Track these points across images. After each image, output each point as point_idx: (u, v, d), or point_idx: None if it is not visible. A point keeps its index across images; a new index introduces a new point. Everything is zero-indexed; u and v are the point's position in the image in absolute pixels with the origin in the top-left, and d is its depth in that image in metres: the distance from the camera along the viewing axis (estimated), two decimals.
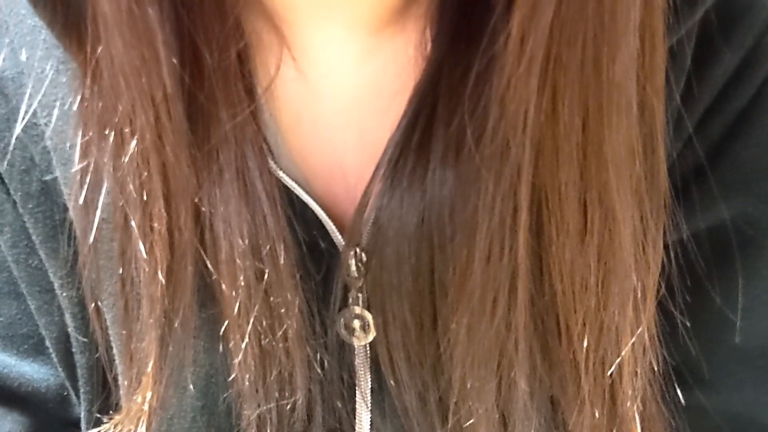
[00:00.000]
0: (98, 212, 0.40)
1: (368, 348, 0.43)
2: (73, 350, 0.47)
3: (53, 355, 0.47)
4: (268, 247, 0.40)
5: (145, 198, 0.38)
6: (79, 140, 0.39)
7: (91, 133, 0.39)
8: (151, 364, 0.41)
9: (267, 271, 0.40)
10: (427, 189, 0.39)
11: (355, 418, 0.44)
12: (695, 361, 0.45)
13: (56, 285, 0.45)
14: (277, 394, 0.42)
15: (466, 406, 0.41)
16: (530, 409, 0.41)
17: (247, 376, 0.41)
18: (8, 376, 0.47)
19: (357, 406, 0.44)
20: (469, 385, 0.40)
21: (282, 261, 0.40)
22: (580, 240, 0.38)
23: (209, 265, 0.40)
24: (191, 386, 0.43)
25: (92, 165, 0.39)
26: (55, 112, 0.42)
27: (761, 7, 0.42)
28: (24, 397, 0.48)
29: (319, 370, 0.43)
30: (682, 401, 0.44)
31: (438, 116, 0.39)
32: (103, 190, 0.40)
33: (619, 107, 0.36)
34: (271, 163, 0.40)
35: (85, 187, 0.40)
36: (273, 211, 0.40)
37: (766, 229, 0.44)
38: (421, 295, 0.40)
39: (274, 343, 0.41)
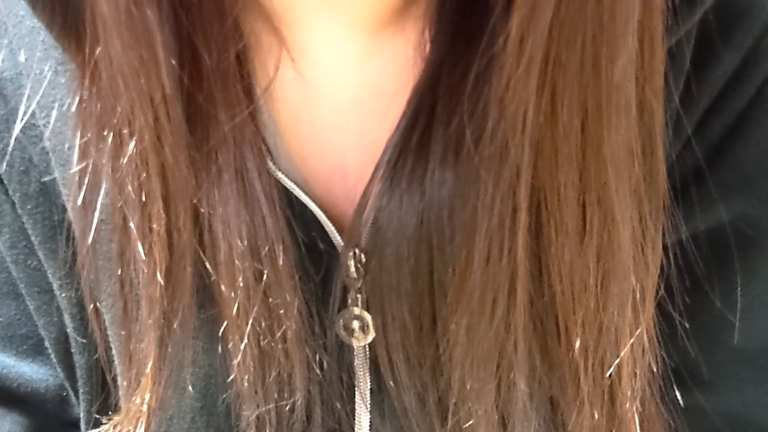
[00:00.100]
0: (97, 213, 0.40)
1: (367, 349, 0.43)
2: (72, 351, 0.47)
3: (52, 356, 0.48)
4: (267, 248, 0.40)
5: (143, 199, 0.38)
6: (77, 141, 0.39)
7: (89, 134, 0.39)
8: (150, 365, 0.41)
9: (266, 272, 0.40)
10: (426, 190, 0.39)
11: (354, 419, 0.44)
12: (694, 362, 0.45)
13: (55, 286, 0.45)
14: (276, 395, 0.42)
15: (465, 406, 0.41)
16: (529, 410, 0.41)
17: (246, 376, 0.41)
18: (7, 377, 0.47)
19: (356, 407, 0.44)
20: (468, 386, 0.40)
21: (281, 262, 0.40)
22: (579, 241, 0.38)
23: (208, 266, 0.40)
24: (190, 387, 0.43)
25: (91, 166, 0.39)
26: (54, 113, 0.42)
27: (761, 9, 0.42)
28: (23, 397, 0.48)
29: (318, 371, 0.43)
30: (681, 402, 0.44)
31: (437, 117, 0.39)
32: (102, 191, 0.40)
33: (618, 108, 0.36)
34: (270, 164, 0.40)
35: (84, 187, 0.40)
36: (272, 212, 0.40)
37: (766, 230, 0.44)
38: (421, 296, 0.40)
39: (273, 344, 0.41)
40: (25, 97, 0.42)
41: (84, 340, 0.46)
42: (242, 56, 0.40)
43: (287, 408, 0.43)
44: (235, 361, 0.41)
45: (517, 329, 0.39)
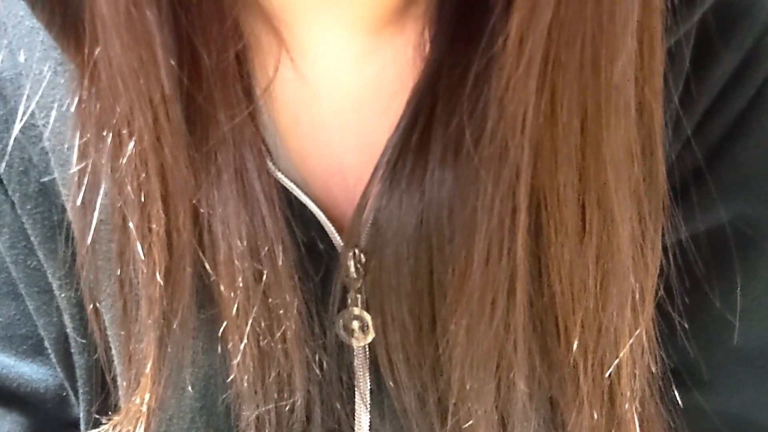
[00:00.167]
0: (96, 213, 0.40)
1: (367, 349, 0.43)
2: (72, 351, 0.47)
3: (52, 356, 0.48)
4: (266, 249, 0.40)
5: (143, 199, 0.38)
6: (77, 141, 0.39)
7: (89, 135, 0.39)
8: (149, 365, 0.41)
9: (265, 272, 0.40)
10: (425, 190, 0.39)
11: (354, 419, 0.44)
12: (694, 363, 0.45)
13: (55, 286, 0.45)
14: (275, 395, 0.42)
15: (465, 407, 0.41)
16: (529, 410, 0.41)
17: (246, 377, 0.41)
18: (7, 377, 0.47)
19: (356, 407, 0.44)
20: (468, 386, 0.40)
21: (280, 262, 0.40)
22: (579, 241, 0.38)
23: (208, 267, 0.40)
24: (190, 387, 0.43)
25: (90, 166, 0.39)
26: (53, 113, 0.42)
27: (760, 9, 0.42)
28: (23, 397, 0.48)
29: (317, 371, 0.43)
30: (680, 402, 0.44)
31: (437, 117, 0.39)
32: (101, 191, 0.40)
33: (618, 109, 0.36)
34: (270, 164, 0.40)
35: (83, 188, 0.40)
36: (271, 212, 0.40)
37: (766, 230, 0.44)
38: (420, 296, 0.40)
39: (272, 344, 0.41)
40: (25, 97, 0.42)
41: (83, 341, 0.46)
42: (242, 56, 0.40)
43: (287, 408, 0.43)
44: (235, 362, 0.41)
45: (516, 329, 0.39)
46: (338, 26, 0.40)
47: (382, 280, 0.40)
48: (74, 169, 0.40)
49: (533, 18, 0.33)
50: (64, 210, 0.44)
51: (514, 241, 0.38)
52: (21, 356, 0.48)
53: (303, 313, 0.41)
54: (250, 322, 0.40)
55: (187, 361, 0.42)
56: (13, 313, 0.47)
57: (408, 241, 0.39)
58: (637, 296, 0.40)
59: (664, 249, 0.41)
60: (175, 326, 0.41)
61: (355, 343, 0.43)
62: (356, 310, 0.42)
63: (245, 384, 0.42)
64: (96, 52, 0.37)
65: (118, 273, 0.41)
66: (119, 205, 0.39)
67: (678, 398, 0.44)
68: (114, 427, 0.43)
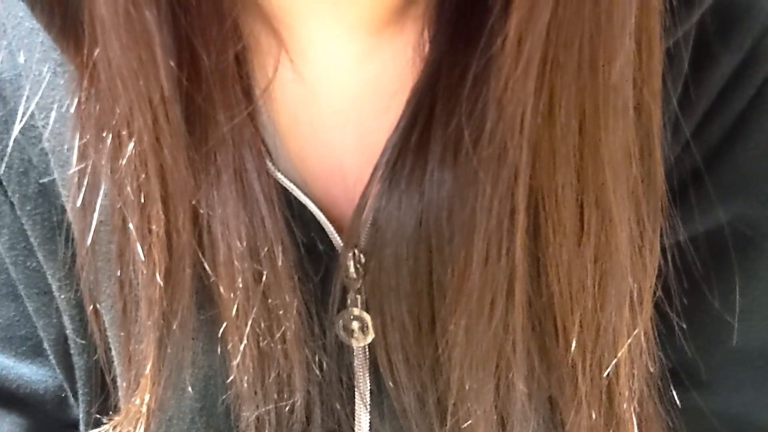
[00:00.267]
0: (96, 214, 0.40)
1: (367, 349, 0.43)
2: (72, 352, 0.47)
3: (51, 357, 0.47)
4: (266, 249, 0.40)
5: (143, 200, 0.38)
6: (76, 142, 0.39)
7: (88, 136, 0.39)
8: (149, 366, 0.41)
9: (265, 272, 0.40)
10: (425, 190, 0.39)
11: (354, 420, 0.44)
12: (692, 363, 0.45)
13: (54, 287, 0.45)
14: (275, 396, 0.42)
15: (464, 407, 0.41)
16: (528, 410, 0.41)
17: (246, 377, 0.41)
18: (6, 378, 0.47)
19: (356, 408, 0.44)
20: (467, 387, 0.40)
21: (280, 263, 0.40)
22: (577, 242, 0.38)
23: (207, 267, 0.40)
24: (190, 388, 0.43)
25: (90, 167, 0.39)
26: (53, 114, 0.42)
27: (759, 10, 0.42)
28: (22, 398, 0.48)
29: (317, 372, 0.43)
30: (679, 403, 0.44)
31: (436, 117, 0.39)
32: (101, 192, 0.40)
33: (616, 109, 0.36)
34: (269, 165, 0.40)
35: (83, 189, 0.40)
36: (271, 212, 0.40)
37: (766, 230, 0.44)
38: (420, 297, 0.40)
39: (272, 344, 0.41)
40: (24, 98, 0.42)
41: (83, 342, 0.46)
42: (241, 57, 0.40)
43: (287, 409, 0.43)
44: (235, 362, 0.41)
45: (515, 329, 0.39)
46: (338, 27, 0.40)
47: (381, 280, 0.40)
48: (74, 170, 0.40)
49: (531, 18, 0.33)
50: (63, 211, 0.44)
51: (513, 241, 0.38)
52: (20, 357, 0.48)
53: (303, 314, 0.41)
54: (249, 322, 0.40)
55: (187, 361, 0.42)
56: (12, 314, 0.47)
57: (407, 242, 0.39)
58: (636, 297, 0.40)
59: (663, 250, 0.42)
60: (174, 327, 0.41)
61: (354, 344, 0.43)
62: (356, 311, 0.42)
63: (245, 385, 0.42)
64: (95, 53, 0.37)
65: (118, 274, 0.41)
66: (119, 206, 0.39)
67: (676, 398, 0.44)
68: (114, 427, 0.43)
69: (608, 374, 0.40)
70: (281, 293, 0.40)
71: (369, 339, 0.43)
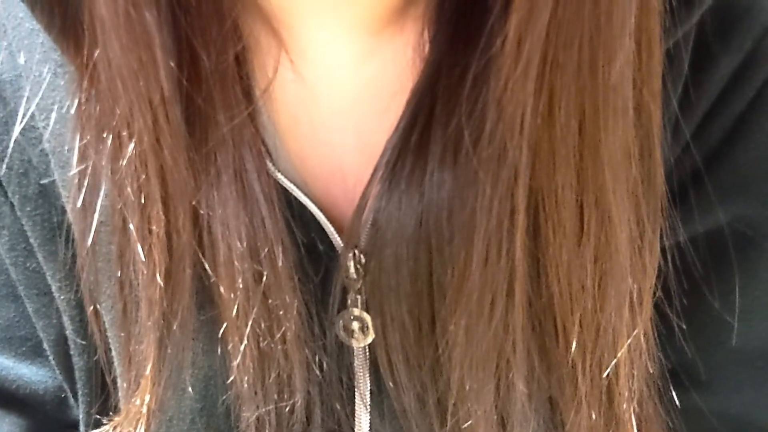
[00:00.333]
0: (96, 215, 0.40)
1: (367, 350, 0.43)
2: (71, 353, 0.47)
3: (51, 358, 0.47)
4: (266, 250, 0.40)
5: (143, 201, 0.38)
6: (77, 143, 0.39)
7: (88, 137, 0.39)
8: (149, 367, 0.41)
9: (265, 273, 0.40)
10: (425, 191, 0.39)
11: (354, 420, 0.44)
12: (692, 363, 0.45)
13: (54, 288, 0.45)
14: (275, 396, 0.42)
15: (464, 407, 0.41)
16: (528, 410, 0.41)
17: (246, 378, 0.41)
18: (6, 378, 0.47)
19: (356, 408, 0.44)
20: (467, 387, 0.40)
21: (280, 263, 0.40)
22: (577, 242, 0.38)
23: (207, 268, 0.40)
24: (190, 388, 0.43)
25: (90, 168, 0.39)
26: (53, 115, 0.42)
27: (759, 10, 0.42)
28: (22, 399, 0.48)
29: (317, 372, 0.43)
30: (679, 403, 0.44)
31: (436, 118, 0.39)
32: (101, 193, 0.40)
33: (616, 110, 0.36)
34: (270, 165, 0.40)
35: (84, 189, 0.40)
36: (271, 213, 0.40)
37: (766, 231, 0.44)
38: (420, 297, 0.40)
39: (272, 345, 0.41)
40: (25, 99, 0.42)
41: (83, 342, 0.46)
42: (241, 58, 0.40)
43: (287, 409, 0.43)
44: (235, 363, 0.41)
45: (515, 330, 0.39)
46: (338, 27, 0.40)
47: (381, 280, 0.40)
48: (74, 171, 0.40)
49: (531, 19, 0.33)
50: (63, 212, 0.44)
51: (513, 241, 0.38)
52: (20, 358, 0.48)
53: (303, 314, 0.41)
54: (250, 323, 0.40)
55: (187, 362, 0.42)
56: (12, 314, 0.47)
57: (407, 242, 0.39)
58: (635, 297, 0.40)
59: (663, 251, 0.42)
60: (175, 327, 0.41)
61: (355, 344, 0.43)
62: (356, 311, 0.42)
63: (245, 385, 0.42)
64: (95, 54, 0.37)
65: (118, 274, 0.41)
66: (119, 206, 0.39)
67: (676, 399, 0.44)
68: (114, 428, 0.43)
69: (608, 374, 0.40)
70: (281, 293, 0.40)
71: (369, 339, 0.43)
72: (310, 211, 0.42)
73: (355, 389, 0.44)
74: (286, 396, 0.42)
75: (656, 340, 0.43)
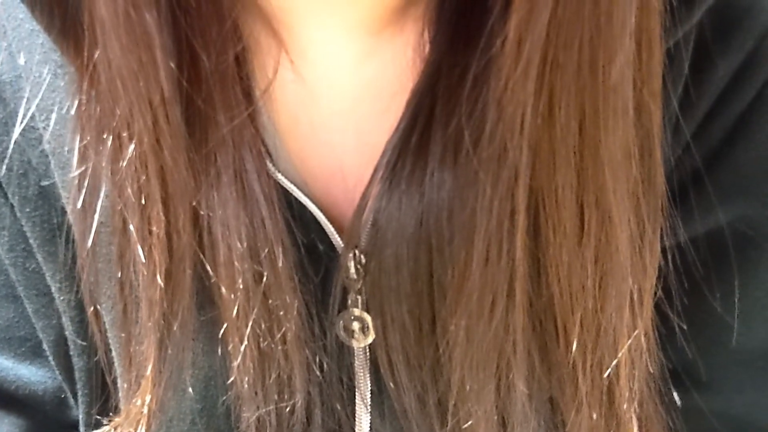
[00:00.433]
0: (96, 216, 0.40)
1: (367, 350, 0.43)
2: (71, 353, 0.47)
3: (51, 358, 0.47)
4: (266, 250, 0.40)
5: (143, 201, 0.38)
6: (77, 144, 0.39)
7: (89, 137, 0.39)
8: (150, 367, 0.41)
9: (266, 273, 0.40)
10: (425, 191, 0.39)
11: (354, 420, 0.44)
12: (693, 364, 0.45)
13: (54, 288, 0.45)
14: (276, 397, 0.42)
15: (465, 407, 0.41)
16: (529, 411, 0.41)
17: (246, 378, 0.41)
18: (6, 379, 0.47)
19: (356, 408, 0.44)
20: (468, 387, 0.40)
21: (280, 263, 0.40)
22: (577, 242, 0.38)
23: (208, 268, 0.40)
24: (190, 389, 0.43)
25: (90, 169, 0.39)
26: (53, 116, 0.42)
27: (760, 10, 0.42)
28: (21, 399, 0.48)
29: (318, 373, 0.43)
30: (679, 403, 0.44)
31: (436, 118, 0.39)
32: (102, 194, 0.40)
33: (616, 110, 0.36)
34: (270, 166, 0.40)
35: (84, 190, 0.40)
36: (271, 213, 0.40)
37: (766, 231, 0.44)
38: (420, 297, 0.40)
39: (273, 345, 0.41)
40: (25, 100, 0.42)
41: (83, 343, 0.46)
42: (241, 58, 0.40)
43: (287, 409, 0.43)
44: (235, 363, 0.41)
45: (516, 330, 0.39)
46: (338, 27, 0.40)
47: (382, 281, 0.40)
48: (75, 172, 0.40)
49: (531, 19, 0.33)
50: (63, 213, 0.44)
51: (513, 242, 0.38)
52: (19, 358, 0.48)
53: (303, 315, 0.41)
54: (250, 323, 0.40)
55: (188, 362, 0.42)
56: (11, 315, 0.47)
57: (408, 242, 0.39)
58: (636, 297, 0.40)
59: (663, 251, 0.42)
60: (175, 328, 0.41)
61: (355, 344, 0.43)
62: (356, 311, 0.42)
63: (245, 385, 0.42)
64: (95, 55, 0.37)
65: (119, 275, 0.41)
66: (119, 207, 0.39)
67: (677, 399, 0.44)
68: (114, 428, 0.43)
69: (609, 375, 0.40)
70: (282, 294, 0.40)
71: (369, 339, 0.43)
72: (310, 212, 0.42)
73: (356, 389, 0.44)
74: (286, 396, 0.42)
75: (657, 340, 0.43)
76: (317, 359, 0.42)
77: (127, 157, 0.37)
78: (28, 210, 0.44)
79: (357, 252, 0.41)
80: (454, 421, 0.42)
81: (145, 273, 0.39)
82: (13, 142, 0.43)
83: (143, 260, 0.39)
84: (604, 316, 0.39)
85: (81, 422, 0.48)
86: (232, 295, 0.40)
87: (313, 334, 0.42)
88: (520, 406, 0.41)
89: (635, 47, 0.37)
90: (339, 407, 0.44)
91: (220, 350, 0.42)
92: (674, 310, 0.43)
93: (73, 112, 0.39)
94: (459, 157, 0.38)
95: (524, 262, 0.38)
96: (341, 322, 0.42)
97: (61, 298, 0.45)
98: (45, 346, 0.47)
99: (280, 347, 0.41)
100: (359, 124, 0.42)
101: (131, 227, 0.39)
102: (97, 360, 0.46)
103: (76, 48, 0.38)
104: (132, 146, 0.37)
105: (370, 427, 0.45)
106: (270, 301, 0.40)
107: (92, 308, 0.43)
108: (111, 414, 0.45)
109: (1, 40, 0.43)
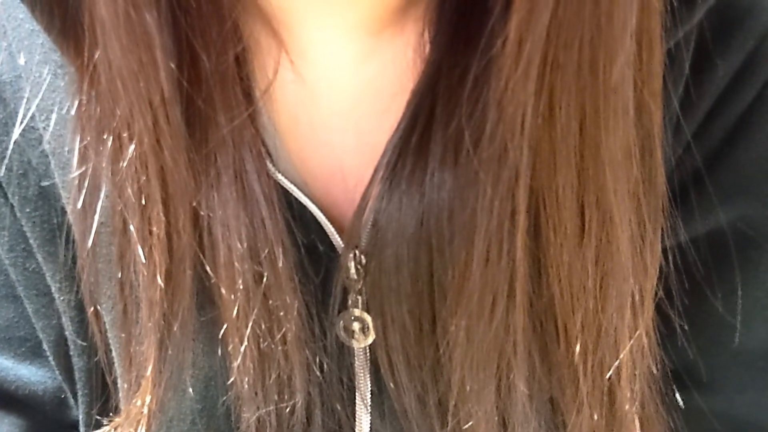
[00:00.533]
0: (97, 216, 0.40)
1: (368, 350, 0.43)
2: (71, 353, 0.47)
3: (50, 358, 0.47)
4: (266, 251, 0.40)
5: (143, 202, 0.38)
6: (77, 145, 0.39)
7: (89, 138, 0.39)
8: (150, 368, 0.41)
9: (266, 274, 0.40)
10: (425, 191, 0.39)
11: (354, 421, 0.44)
12: (694, 364, 0.45)
13: (54, 289, 0.45)
14: (276, 397, 0.42)
15: (465, 408, 0.41)
16: (529, 411, 0.41)
17: (246, 379, 0.41)
18: (5, 379, 0.47)
19: (356, 409, 0.44)
20: (468, 388, 0.40)
21: (281, 264, 0.40)
22: (578, 242, 0.38)
23: (208, 269, 0.40)
24: (190, 389, 0.43)
25: (90, 169, 0.39)
26: (53, 116, 0.42)
27: (761, 10, 0.42)
28: (21, 399, 0.48)
29: (318, 373, 0.43)
30: (681, 404, 0.44)
31: (436, 118, 0.39)
32: (102, 195, 0.40)
33: (616, 110, 0.36)
34: (270, 166, 0.40)
35: (84, 191, 0.40)
36: (271, 214, 0.40)
37: (767, 231, 0.44)
38: (420, 298, 0.40)
39: (273, 346, 0.41)
40: (25, 100, 0.42)
41: (84, 343, 0.46)
42: (241, 58, 0.40)
43: (287, 410, 0.43)
44: (235, 364, 0.41)
45: (516, 330, 0.39)
46: (338, 28, 0.40)
47: (382, 281, 0.40)
48: (75, 172, 0.40)
49: (531, 20, 0.33)
50: (63, 213, 0.44)
51: (514, 242, 0.38)
52: (19, 358, 0.48)
53: (303, 315, 0.41)
54: (250, 324, 0.40)
55: (188, 363, 0.42)
56: (11, 315, 0.47)
57: (408, 243, 0.39)
58: (637, 298, 0.40)
59: (664, 251, 0.42)
60: (175, 328, 0.41)
61: (355, 345, 0.43)
62: (356, 312, 0.42)
63: (245, 386, 0.42)
64: (96, 55, 0.37)
65: (119, 276, 0.41)
66: (120, 208, 0.39)
67: (678, 399, 0.44)
68: (114, 429, 0.43)
69: (610, 375, 0.40)
70: (282, 294, 0.40)
71: (370, 340, 0.43)
72: (310, 212, 0.42)
73: (356, 390, 0.44)
74: (286, 397, 0.42)
75: (658, 340, 0.43)
76: (317, 359, 0.42)
77: (128, 158, 0.37)
78: (28, 210, 0.44)
79: (357, 252, 0.41)
80: (455, 421, 0.42)
81: (146, 273, 0.39)
82: (12, 142, 0.43)
83: (143, 261, 0.39)
84: (605, 316, 0.39)
85: (81, 422, 0.48)
86: (233, 296, 0.40)
87: (314, 334, 0.42)
88: (521, 406, 0.41)
89: (636, 47, 0.37)
90: (339, 407, 0.44)
91: (220, 351, 0.42)
92: (675, 310, 0.43)
93: (73, 112, 0.39)
94: (459, 157, 0.38)
95: (525, 263, 0.38)
96: (341, 322, 0.42)
97: (61, 298, 0.45)
98: (45, 346, 0.47)
99: (280, 348, 0.41)
100: (359, 124, 0.42)
101: (131, 228, 0.39)
102: (97, 360, 0.46)
103: (76, 48, 0.38)
104: (132, 146, 0.37)
105: (370, 427, 0.45)
106: (270, 302, 0.40)
107: (92, 308, 0.43)
108: (111, 414, 0.45)
109: (1, 40, 0.43)
